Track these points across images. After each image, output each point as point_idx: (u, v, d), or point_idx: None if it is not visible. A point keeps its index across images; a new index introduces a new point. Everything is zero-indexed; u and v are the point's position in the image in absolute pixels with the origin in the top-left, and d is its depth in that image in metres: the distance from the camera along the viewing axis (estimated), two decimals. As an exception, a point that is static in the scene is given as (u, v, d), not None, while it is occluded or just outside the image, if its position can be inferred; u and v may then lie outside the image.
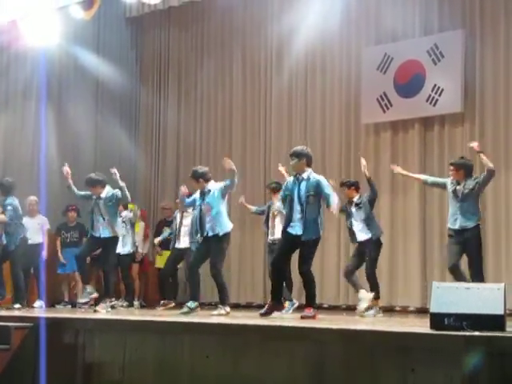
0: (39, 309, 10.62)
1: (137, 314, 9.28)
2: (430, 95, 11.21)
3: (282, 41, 12.85)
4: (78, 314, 9.23)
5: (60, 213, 12.20)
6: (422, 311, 10.15)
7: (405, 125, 11.66)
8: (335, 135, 12.32)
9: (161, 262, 12.72)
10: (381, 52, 11.81)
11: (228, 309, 8.61)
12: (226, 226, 8.72)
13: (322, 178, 8.03)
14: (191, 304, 8.69)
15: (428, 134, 11.45)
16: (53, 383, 7.04)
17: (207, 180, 8.81)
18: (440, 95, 11.12)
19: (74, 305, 11.82)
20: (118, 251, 10.53)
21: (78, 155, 13.49)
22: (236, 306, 11.86)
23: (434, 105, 11.19)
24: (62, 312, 10.09)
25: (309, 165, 8.07)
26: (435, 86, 11.18)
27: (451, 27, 11.23)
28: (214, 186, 8.79)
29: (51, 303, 11.81)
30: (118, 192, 9.63)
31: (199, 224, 8.70)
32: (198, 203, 8.83)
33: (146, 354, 6.84)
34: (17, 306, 10.13)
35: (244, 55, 13.56)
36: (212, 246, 8.65)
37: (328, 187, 7.97)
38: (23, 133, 12.95)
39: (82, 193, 9.93)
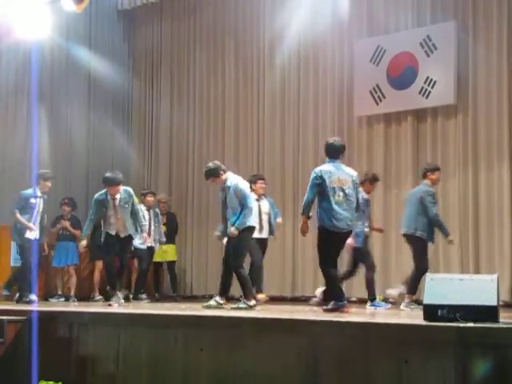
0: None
1: (130, 308, 9.26)
2: (422, 87, 11.21)
3: (274, 34, 12.83)
4: (72, 308, 9.22)
5: (51, 208, 12.13)
6: (416, 303, 10.15)
7: (398, 117, 11.66)
8: (328, 128, 12.31)
9: (159, 256, 12.60)
10: (373, 44, 11.80)
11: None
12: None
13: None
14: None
15: (421, 126, 11.45)
16: (46, 377, 7.04)
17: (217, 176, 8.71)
18: (433, 87, 11.12)
19: (67, 298, 11.81)
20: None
21: (70, 150, 13.50)
22: (231, 299, 11.86)
23: (427, 97, 11.19)
24: (56, 306, 10.07)
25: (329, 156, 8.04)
26: (428, 78, 11.18)
27: (444, 19, 11.22)
28: (232, 180, 8.68)
29: (45, 297, 11.80)
30: (131, 192, 9.77)
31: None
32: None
33: (140, 347, 6.84)
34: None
35: (236, 48, 13.53)
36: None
37: None
38: (15, 128, 12.87)
39: (95, 210, 9.71)
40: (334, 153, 8.03)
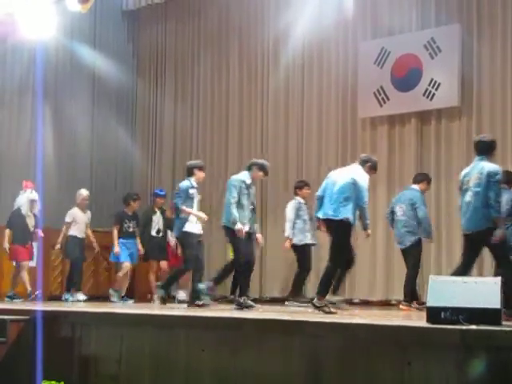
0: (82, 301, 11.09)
1: (133, 308, 9.26)
2: (426, 89, 11.20)
3: (278, 35, 12.82)
4: (75, 308, 9.21)
5: (55, 207, 12.08)
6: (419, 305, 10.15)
7: (401, 119, 11.65)
8: (332, 129, 12.31)
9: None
10: (378, 46, 11.79)
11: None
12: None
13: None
14: None
15: (425, 129, 11.44)
16: (49, 377, 7.04)
17: None
18: (437, 89, 11.11)
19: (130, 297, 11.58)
20: None
21: (74, 149, 13.52)
22: (231, 300, 11.84)
23: (431, 99, 11.18)
24: (59, 305, 10.07)
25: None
26: (432, 80, 11.17)
27: (448, 21, 11.21)
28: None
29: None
30: None
31: None
32: None
33: (143, 347, 6.84)
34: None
35: (241, 49, 13.53)
36: None
37: None
38: (20, 127, 12.91)
39: (237, 193, 8.98)
40: (477, 150, 7.73)
